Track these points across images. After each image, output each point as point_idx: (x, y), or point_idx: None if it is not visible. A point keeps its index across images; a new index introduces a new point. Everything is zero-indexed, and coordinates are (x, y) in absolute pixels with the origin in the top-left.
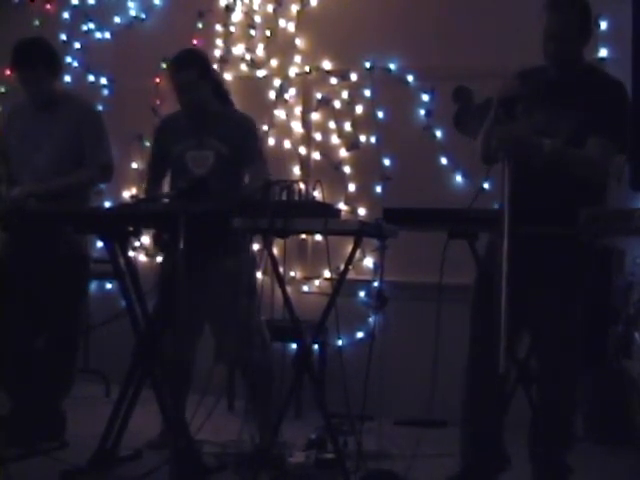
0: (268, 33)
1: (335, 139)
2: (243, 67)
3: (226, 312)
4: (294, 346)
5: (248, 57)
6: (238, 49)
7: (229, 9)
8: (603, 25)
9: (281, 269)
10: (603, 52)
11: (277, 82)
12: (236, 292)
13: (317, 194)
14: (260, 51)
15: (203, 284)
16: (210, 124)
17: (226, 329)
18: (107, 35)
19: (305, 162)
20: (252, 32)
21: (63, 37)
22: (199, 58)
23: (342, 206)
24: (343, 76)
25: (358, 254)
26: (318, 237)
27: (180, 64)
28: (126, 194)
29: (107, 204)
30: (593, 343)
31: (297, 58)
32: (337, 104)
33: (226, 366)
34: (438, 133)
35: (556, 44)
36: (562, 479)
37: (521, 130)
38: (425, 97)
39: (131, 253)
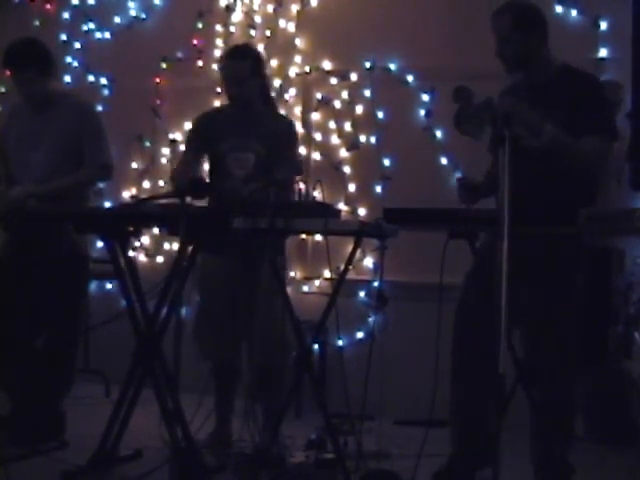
0: (268, 33)
1: (335, 139)
2: None
3: (265, 314)
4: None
5: None
6: (235, 45)
7: (229, 9)
8: (603, 25)
9: None
10: (603, 52)
11: (277, 82)
12: (273, 294)
13: (317, 194)
14: (260, 51)
15: (246, 286)
16: (254, 126)
17: (262, 332)
18: (107, 35)
19: (305, 162)
20: (252, 32)
21: (63, 37)
22: (254, 53)
23: (342, 206)
24: (343, 76)
25: (358, 254)
26: (318, 237)
27: (235, 55)
28: (126, 194)
29: (107, 204)
30: (593, 343)
31: (297, 58)
32: (337, 104)
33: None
34: (438, 133)
35: (503, 44)
36: (564, 479)
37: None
38: (425, 97)
39: (131, 253)
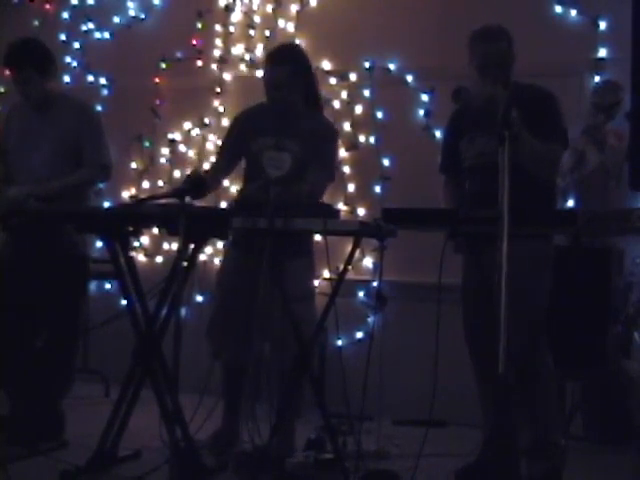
0: (267, 33)
1: None
2: (243, 67)
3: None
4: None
5: (247, 57)
6: (238, 49)
7: (228, 9)
8: (603, 25)
9: None
10: (603, 52)
11: None
12: (299, 295)
13: None
14: (259, 51)
15: (270, 287)
16: (291, 125)
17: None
18: (106, 35)
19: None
20: (251, 32)
21: (63, 37)
22: (295, 56)
23: (341, 206)
24: (342, 76)
25: (357, 254)
26: (317, 237)
27: (274, 59)
28: (125, 194)
29: (107, 204)
30: (593, 343)
31: None
32: (336, 104)
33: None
34: (437, 133)
35: (496, 70)
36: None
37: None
38: (424, 97)
39: (130, 253)
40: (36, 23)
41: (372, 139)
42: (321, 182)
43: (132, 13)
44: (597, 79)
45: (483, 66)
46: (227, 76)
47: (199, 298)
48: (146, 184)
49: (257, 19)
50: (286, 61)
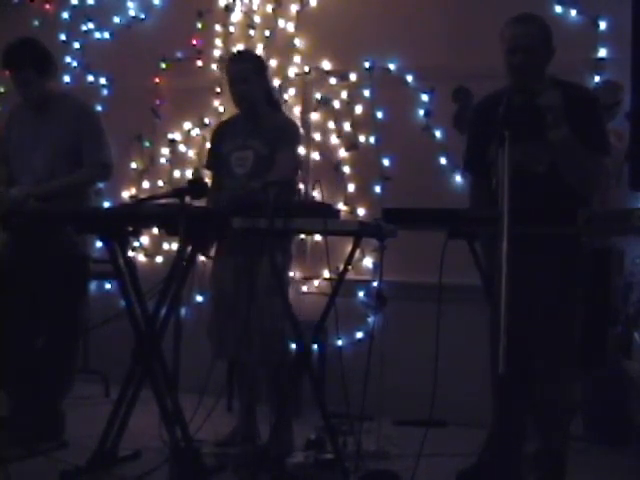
0: (267, 33)
1: (334, 139)
2: None
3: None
4: (294, 346)
5: None
6: (238, 49)
7: (228, 9)
8: (603, 25)
9: None
10: (603, 52)
11: (276, 82)
12: (272, 292)
13: (316, 194)
14: (259, 51)
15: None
16: (255, 124)
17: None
18: (106, 35)
19: (304, 162)
20: (251, 32)
21: (62, 37)
22: (255, 57)
23: (341, 206)
24: (342, 76)
25: (357, 254)
26: (317, 237)
27: (237, 57)
28: (125, 194)
29: (107, 204)
30: (593, 343)
31: (296, 58)
32: (336, 104)
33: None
34: (437, 133)
35: (524, 56)
36: (558, 476)
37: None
38: (424, 97)
39: (130, 253)
40: (36, 23)
41: (372, 139)
42: (285, 161)
43: (132, 13)
44: (597, 79)
45: (510, 50)
46: None
47: (199, 298)
48: (146, 184)
49: (257, 19)
50: (248, 59)
